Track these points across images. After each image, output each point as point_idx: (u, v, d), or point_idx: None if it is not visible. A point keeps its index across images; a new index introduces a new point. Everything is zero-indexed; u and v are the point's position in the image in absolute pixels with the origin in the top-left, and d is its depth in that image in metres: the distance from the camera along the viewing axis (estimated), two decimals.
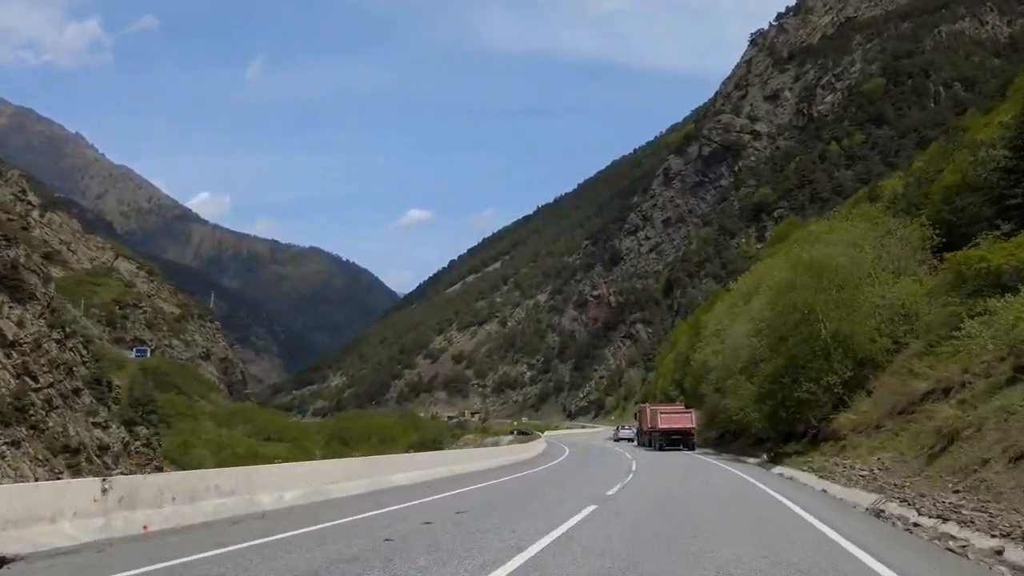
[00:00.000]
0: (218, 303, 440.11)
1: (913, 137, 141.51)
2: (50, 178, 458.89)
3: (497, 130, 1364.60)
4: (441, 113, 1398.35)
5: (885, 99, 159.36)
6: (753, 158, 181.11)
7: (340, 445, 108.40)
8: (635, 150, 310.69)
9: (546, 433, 75.90)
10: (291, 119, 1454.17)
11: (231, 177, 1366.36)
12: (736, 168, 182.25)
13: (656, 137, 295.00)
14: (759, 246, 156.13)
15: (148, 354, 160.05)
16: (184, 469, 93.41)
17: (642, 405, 53.54)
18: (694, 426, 41.56)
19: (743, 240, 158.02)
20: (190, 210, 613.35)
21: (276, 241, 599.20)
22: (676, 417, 42.08)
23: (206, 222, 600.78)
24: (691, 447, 40.98)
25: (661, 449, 41.19)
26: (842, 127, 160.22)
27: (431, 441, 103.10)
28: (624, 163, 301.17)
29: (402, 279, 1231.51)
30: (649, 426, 44.95)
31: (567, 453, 41.86)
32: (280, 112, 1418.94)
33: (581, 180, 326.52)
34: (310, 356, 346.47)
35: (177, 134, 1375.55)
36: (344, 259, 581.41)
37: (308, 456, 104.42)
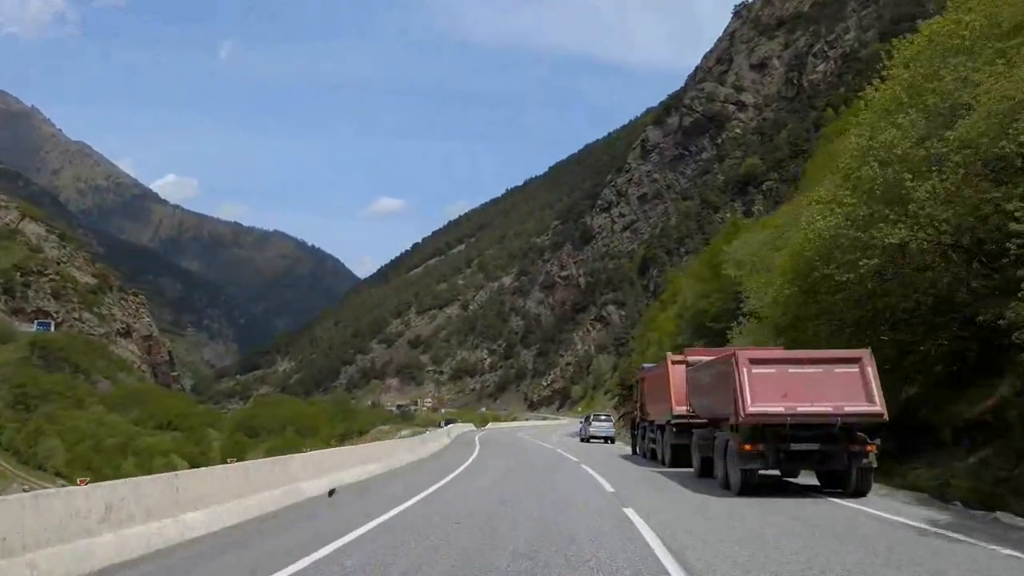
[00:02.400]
0: (172, 285, 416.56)
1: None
2: (2, 151, 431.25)
3: (472, 120, 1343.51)
4: (416, 101, 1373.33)
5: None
6: (738, 130, 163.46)
7: (246, 436, 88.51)
8: (609, 133, 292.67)
9: (490, 425, 57.40)
10: (263, 103, 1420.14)
11: (199, 159, 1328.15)
12: (719, 140, 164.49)
13: (631, 120, 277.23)
14: (746, 222, 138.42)
15: (52, 328, 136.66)
16: (27, 463, 70.50)
17: (657, 365, 24.21)
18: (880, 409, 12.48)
19: (728, 215, 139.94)
20: (150, 189, 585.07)
21: (239, 224, 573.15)
22: (826, 380, 12.81)
23: (166, 202, 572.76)
24: (860, 486, 13.02)
25: (745, 489, 13.33)
26: (838, 94, 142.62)
27: (357, 433, 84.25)
28: (597, 146, 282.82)
29: (372, 268, 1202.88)
30: (684, 409, 18.66)
31: (456, 472, 18.93)
32: (252, 95, 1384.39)
33: (552, 163, 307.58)
34: (269, 341, 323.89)
35: (145, 114, 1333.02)
36: (309, 244, 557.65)
37: (204, 448, 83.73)
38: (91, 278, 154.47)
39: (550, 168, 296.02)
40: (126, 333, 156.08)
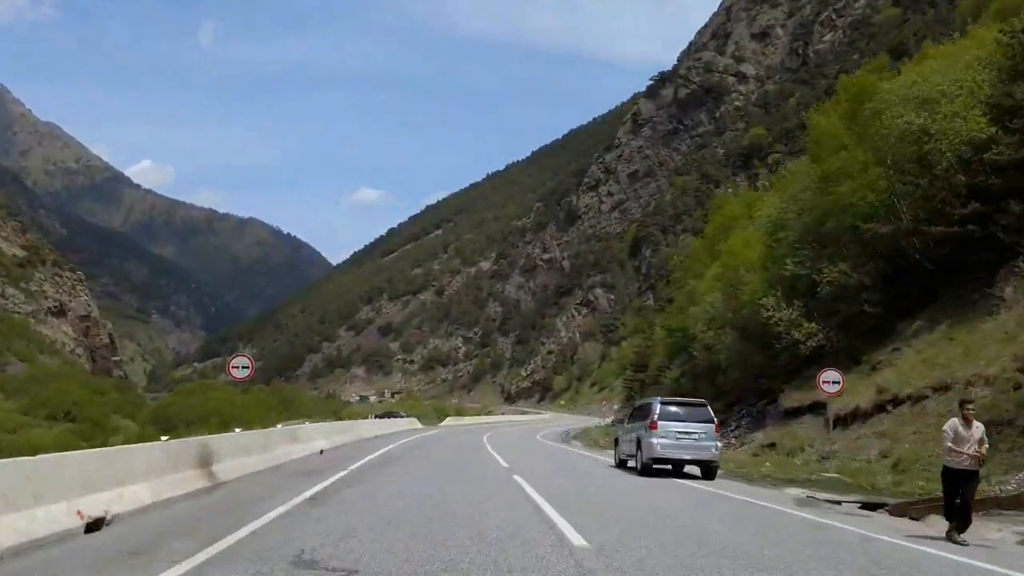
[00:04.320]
0: (139, 269, 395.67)
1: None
2: None
3: (456, 112, 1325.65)
4: (400, 92, 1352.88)
5: (905, 29, 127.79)
6: (738, 103, 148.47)
7: (162, 430, 71.18)
8: (594, 119, 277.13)
9: (449, 421, 41.72)
10: (244, 90, 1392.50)
11: (177, 146, 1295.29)
12: (717, 114, 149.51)
13: (620, 104, 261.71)
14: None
15: None
16: None
17: None
18: None
19: (729, 189, 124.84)
20: (122, 173, 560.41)
21: (213, 210, 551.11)
22: None
23: (139, 187, 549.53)
24: None
25: None
26: (852, 60, 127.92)
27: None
28: (583, 131, 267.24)
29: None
30: None
31: None
32: (233, 82, 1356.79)
33: (535, 148, 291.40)
34: (232, 328, 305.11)
35: (122, 99, 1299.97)
36: (285, 231, 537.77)
37: (100, 444, 66.70)
38: (19, 250, 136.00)
39: (533, 152, 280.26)
40: (59, 312, 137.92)
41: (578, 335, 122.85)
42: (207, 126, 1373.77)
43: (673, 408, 15.81)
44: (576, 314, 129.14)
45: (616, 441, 18.98)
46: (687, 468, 16.04)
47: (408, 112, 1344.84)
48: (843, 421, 17.44)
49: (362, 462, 15.87)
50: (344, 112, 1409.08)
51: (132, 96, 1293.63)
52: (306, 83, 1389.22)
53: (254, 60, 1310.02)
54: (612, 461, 18.78)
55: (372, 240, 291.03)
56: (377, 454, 18.42)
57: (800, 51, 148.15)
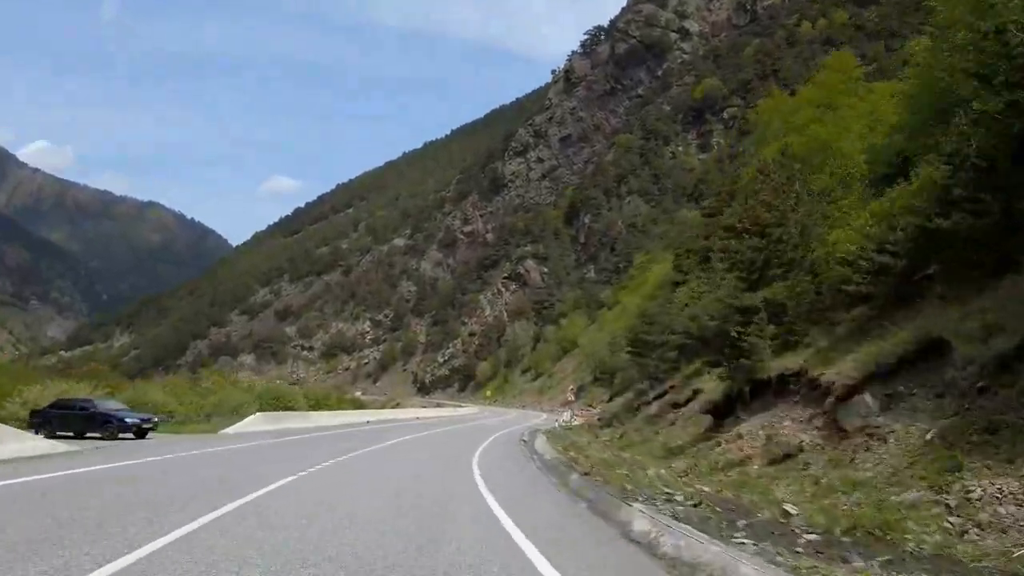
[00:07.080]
0: (18, 253, 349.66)
1: (921, 15, 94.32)
2: None
3: (377, 103, 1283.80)
4: (316, 80, 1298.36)
5: None
6: (681, 61, 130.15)
7: None
8: (518, 98, 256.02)
9: (247, 423, 20.14)
10: (152, 71, 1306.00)
11: (77, 127, 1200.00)
12: (659, 72, 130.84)
13: (543, 85, 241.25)
14: (702, 156, 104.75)
15: None
16: None
17: None
18: None
19: (680, 147, 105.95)
20: (7, 151, 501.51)
21: (109, 192, 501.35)
22: None
23: (25, 165, 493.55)
24: None
25: None
26: (815, 8, 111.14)
27: None
28: (504, 111, 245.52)
29: None
30: None
31: None
32: (141, 63, 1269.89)
33: (455, 127, 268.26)
34: (111, 315, 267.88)
35: (19, 77, 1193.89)
36: (188, 217, 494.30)
37: None
38: None
39: (453, 131, 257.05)
40: None
41: (506, 314, 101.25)
42: (112, 109, 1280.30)
43: None
44: (503, 289, 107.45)
45: None
46: None
47: (324, 101, 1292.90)
48: None
49: None
50: (258, 99, 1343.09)
51: (30, 75, 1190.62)
52: (220, 67, 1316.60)
53: (164, 44, 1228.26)
54: None
55: (276, 220, 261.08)
56: None
57: (749, 6, 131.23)
